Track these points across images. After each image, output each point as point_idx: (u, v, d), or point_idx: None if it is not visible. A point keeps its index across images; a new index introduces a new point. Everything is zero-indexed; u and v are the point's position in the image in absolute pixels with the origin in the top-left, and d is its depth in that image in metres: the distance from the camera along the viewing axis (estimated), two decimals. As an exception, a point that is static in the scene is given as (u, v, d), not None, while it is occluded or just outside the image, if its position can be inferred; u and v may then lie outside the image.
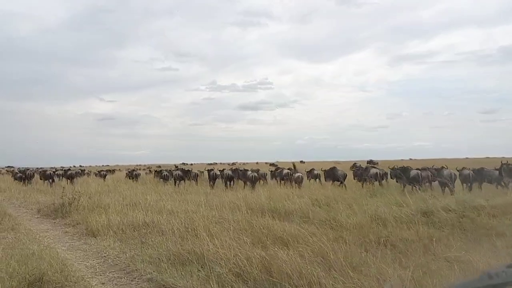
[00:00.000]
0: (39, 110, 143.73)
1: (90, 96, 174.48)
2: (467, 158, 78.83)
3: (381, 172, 22.00)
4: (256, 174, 23.15)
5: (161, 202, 12.80)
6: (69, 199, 12.78)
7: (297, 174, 22.04)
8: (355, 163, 50.80)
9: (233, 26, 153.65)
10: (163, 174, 27.74)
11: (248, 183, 22.06)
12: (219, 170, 24.30)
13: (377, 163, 55.05)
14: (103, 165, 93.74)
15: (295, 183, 20.80)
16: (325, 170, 25.36)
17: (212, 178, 23.15)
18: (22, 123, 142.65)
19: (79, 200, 12.81)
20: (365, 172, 22.50)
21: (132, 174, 30.25)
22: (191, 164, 79.90)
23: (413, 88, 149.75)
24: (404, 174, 19.32)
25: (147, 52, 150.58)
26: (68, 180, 28.52)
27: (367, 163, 55.23)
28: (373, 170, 22.21)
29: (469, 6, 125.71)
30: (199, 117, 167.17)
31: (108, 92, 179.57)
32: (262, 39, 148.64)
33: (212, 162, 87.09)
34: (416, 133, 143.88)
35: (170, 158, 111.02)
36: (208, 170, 24.83)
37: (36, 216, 12.54)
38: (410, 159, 76.02)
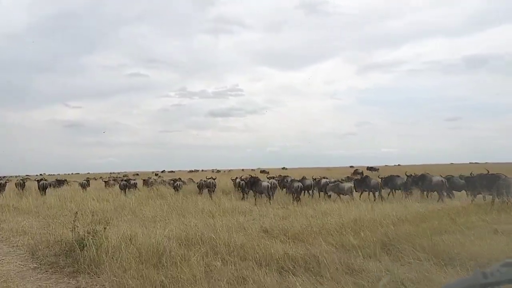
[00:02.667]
0: (2, 118, 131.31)
1: (57, 102, 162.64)
2: (452, 163, 77.05)
3: (445, 180, 17.51)
4: (301, 185, 18.47)
5: (249, 240, 7.51)
6: (89, 231, 7.32)
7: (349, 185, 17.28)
8: (357, 170, 46.74)
9: (204, 34, 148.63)
10: (176, 184, 22.49)
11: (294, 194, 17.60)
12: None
13: (378, 169, 51.31)
14: (73, 173, 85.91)
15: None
16: (355, 179, 20.97)
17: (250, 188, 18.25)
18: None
19: (104, 234, 7.36)
20: (424, 181, 17.82)
21: (129, 184, 23.96)
22: (174, 172, 73.48)
23: (381, 96, 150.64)
24: (489, 181, 14.92)
25: (116, 58, 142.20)
26: (42, 192, 22.65)
27: (367, 169, 51.42)
28: (436, 178, 17.56)
29: (435, 17, 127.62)
30: (169, 124, 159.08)
31: (75, 99, 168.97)
32: (233, 46, 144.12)
33: (192, 169, 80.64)
34: (383, 140, 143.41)
35: (140, 165, 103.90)
36: (250, 177, 19.73)
37: (32, 266, 6.94)
38: (399, 164, 73.02)
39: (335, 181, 19.61)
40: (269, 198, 16.95)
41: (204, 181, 22.49)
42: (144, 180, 28.80)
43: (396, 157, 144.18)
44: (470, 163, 73.84)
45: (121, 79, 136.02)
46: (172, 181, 26.08)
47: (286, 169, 73.68)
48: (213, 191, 20.79)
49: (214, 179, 22.85)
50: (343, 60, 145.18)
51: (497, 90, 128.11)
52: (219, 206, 13.70)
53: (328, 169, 65.13)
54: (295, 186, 18.46)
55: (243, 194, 17.74)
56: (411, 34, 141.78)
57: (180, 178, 27.46)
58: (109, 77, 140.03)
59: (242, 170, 71.53)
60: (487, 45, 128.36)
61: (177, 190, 22.73)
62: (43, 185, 24.41)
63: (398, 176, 19.30)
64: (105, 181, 30.34)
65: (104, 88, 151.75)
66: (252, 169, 73.00)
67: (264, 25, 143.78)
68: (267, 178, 23.86)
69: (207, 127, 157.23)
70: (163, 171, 70.79)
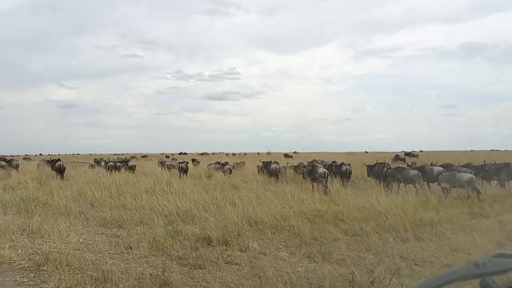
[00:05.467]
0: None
1: (51, 83, 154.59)
2: (472, 150, 72.24)
3: None
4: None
5: None
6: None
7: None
8: (397, 155, 41.43)
9: (201, 15, 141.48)
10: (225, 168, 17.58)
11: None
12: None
13: (417, 155, 46.14)
14: (74, 154, 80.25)
15: None
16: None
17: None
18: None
19: None
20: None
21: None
22: (186, 154, 67.97)
23: (377, 82, 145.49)
24: None
25: (111, 39, 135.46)
26: (59, 175, 17.49)
27: (405, 155, 46.10)
28: None
29: (432, 4, 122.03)
30: (164, 106, 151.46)
31: (69, 79, 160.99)
32: (230, 29, 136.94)
33: (203, 152, 75.02)
34: (378, 127, 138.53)
35: (135, 147, 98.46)
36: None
37: None
38: (421, 151, 68.11)
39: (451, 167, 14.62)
40: (326, 186, 13.53)
41: (267, 163, 17.58)
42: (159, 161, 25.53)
43: (390, 144, 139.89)
44: (491, 150, 69.17)
45: (116, 60, 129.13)
46: (221, 165, 20.87)
47: (297, 153, 68.81)
48: (278, 178, 16.01)
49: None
50: (340, 45, 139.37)
51: (493, 78, 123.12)
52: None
53: (350, 153, 60.36)
54: (411, 174, 13.48)
55: (326, 185, 13.01)
56: (408, 20, 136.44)
57: (227, 162, 22.15)
58: (104, 57, 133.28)
59: (258, 153, 66.25)
60: (484, 33, 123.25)
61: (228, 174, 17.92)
62: (60, 166, 19.05)
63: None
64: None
65: (99, 69, 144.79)
66: (268, 153, 67.78)
67: (261, 9, 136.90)
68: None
69: (203, 110, 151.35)
70: (180, 153, 65.10)
